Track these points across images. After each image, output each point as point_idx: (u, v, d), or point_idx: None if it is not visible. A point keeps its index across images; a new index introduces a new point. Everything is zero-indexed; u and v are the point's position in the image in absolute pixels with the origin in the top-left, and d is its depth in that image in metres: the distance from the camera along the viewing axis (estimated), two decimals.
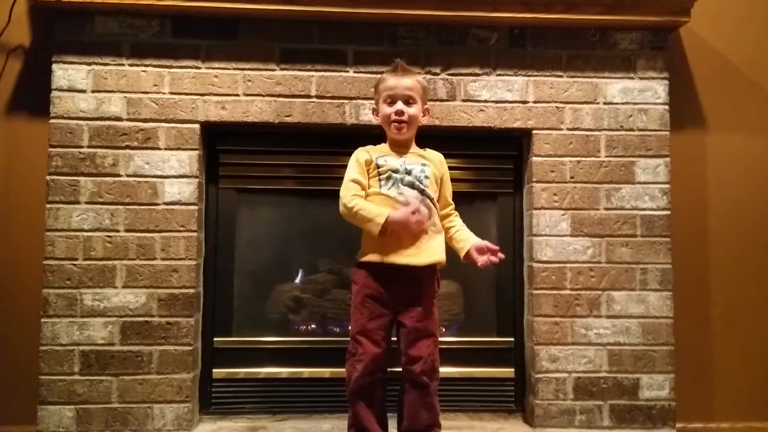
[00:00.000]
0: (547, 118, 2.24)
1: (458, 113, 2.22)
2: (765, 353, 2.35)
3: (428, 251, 1.87)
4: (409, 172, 1.89)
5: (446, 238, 1.96)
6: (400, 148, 1.95)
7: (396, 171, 1.89)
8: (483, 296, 2.37)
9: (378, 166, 1.90)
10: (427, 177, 1.90)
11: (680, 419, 2.22)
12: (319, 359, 2.25)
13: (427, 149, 1.99)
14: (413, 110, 1.91)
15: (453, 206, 2.00)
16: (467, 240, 1.92)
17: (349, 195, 1.86)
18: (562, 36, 2.25)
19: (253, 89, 2.18)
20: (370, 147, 1.97)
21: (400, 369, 1.90)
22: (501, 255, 1.87)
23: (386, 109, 1.91)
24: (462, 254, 1.92)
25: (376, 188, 1.89)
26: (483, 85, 2.23)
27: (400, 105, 1.90)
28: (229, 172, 2.28)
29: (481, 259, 1.86)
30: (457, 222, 1.98)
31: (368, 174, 1.90)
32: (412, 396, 1.87)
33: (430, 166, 1.93)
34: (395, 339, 1.93)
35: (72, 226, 2.11)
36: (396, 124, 1.90)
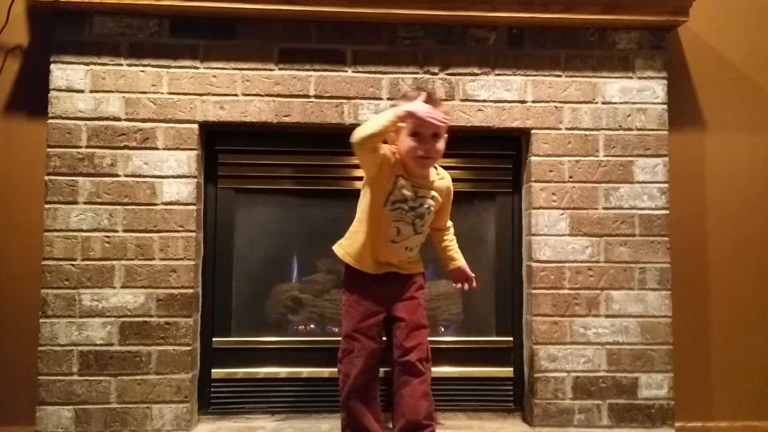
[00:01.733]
0: (545, 117, 2.24)
1: (457, 113, 2.22)
2: (764, 352, 2.35)
3: (398, 267, 1.94)
4: (419, 206, 1.90)
5: (438, 248, 2.05)
6: (417, 179, 1.91)
7: (405, 201, 1.89)
8: (481, 296, 2.36)
9: (395, 180, 1.88)
10: (429, 212, 1.93)
11: (679, 418, 2.22)
12: (317, 359, 2.24)
13: (439, 173, 1.98)
14: (441, 145, 1.86)
15: (450, 225, 2.06)
16: (455, 260, 2.03)
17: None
18: (561, 36, 2.25)
19: (251, 89, 2.18)
20: (388, 148, 1.91)
21: (388, 369, 1.91)
22: (474, 285, 2.02)
23: (410, 143, 1.83)
24: (446, 269, 2.05)
25: (380, 199, 1.87)
26: (481, 85, 2.23)
27: (429, 142, 1.82)
28: (228, 172, 2.28)
29: (458, 284, 2.03)
30: (449, 235, 2.05)
31: (383, 173, 1.86)
32: (411, 386, 1.86)
33: (436, 199, 1.94)
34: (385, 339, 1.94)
35: (70, 226, 2.11)
36: (422, 160, 1.84)
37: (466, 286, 2.02)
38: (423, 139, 1.82)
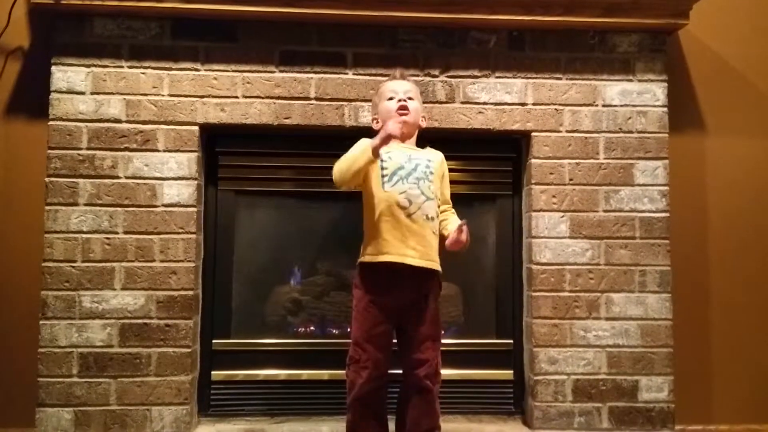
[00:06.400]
0: (546, 120, 2.24)
1: (457, 115, 2.22)
2: (764, 355, 2.35)
3: (427, 254, 1.86)
4: (415, 168, 1.89)
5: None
6: (402, 142, 1.94)
7: (401, 168, 1.88)
8: (482, 298, 2.37)
9: (381, 161, 1.87)
10: (432, 173, 1.91)
11: (679, 421, 2.22)
12: (317, 361, 2.24)
13: (428, 147, 2.00)
14: (415, 104, 1.95)
15: (450, 205, 2.01)
16: (448, 227, 1.92)
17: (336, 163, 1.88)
18: (561, 38, 2.25)
19: (252, 91, 2.18)
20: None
21: (399, 372, 1.90)
22: (465, 235, 1.84)
23: (388, 106, 1.93)
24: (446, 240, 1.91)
25: (378, 185, 1.87)
26: (482, 88, 2.23)
27: (402, 95, 1.93)
28: (228, 174, 2.28)
29: (449, 242, 1.86)
30: (448, 214, 1.99)
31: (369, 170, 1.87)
32: (415, 401, 1.86)
33: (434, 161, 1.94)
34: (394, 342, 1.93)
35: (71, 227, 2.11)
36: (400, 111, 1.90)
37: (455, 234, 1.85)
38: (397, 98, 1.93)
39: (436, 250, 1.89)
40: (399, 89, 1.95)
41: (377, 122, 1.97)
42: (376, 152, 1.80)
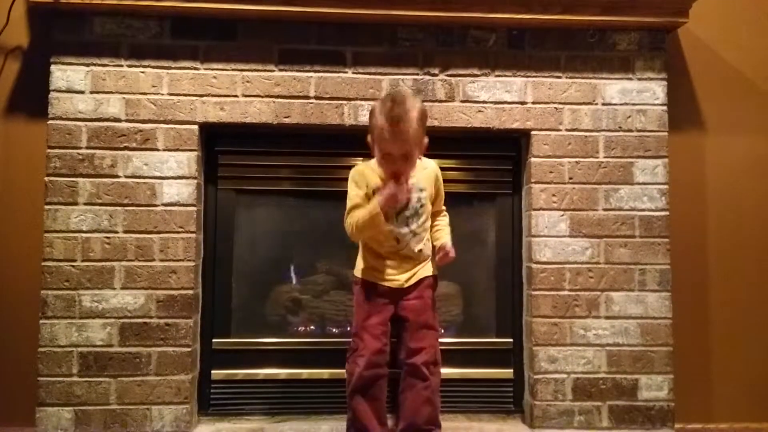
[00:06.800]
0: (545, 118, 2.24)
1: (457, 114, 2.22)
2: (764, 354, 2.35)
3: (413, 274, 1.93)
4: (406, 206, 1.90)
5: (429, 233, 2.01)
6: None
7: (391, 208, 1.88)
8: (482, 297, 2.37)
9: (374, 194, 1.88)
10: (423, 205, 1.92)
11: (679, 420, 2.22)
12: (317, 360, 2.24)
13: (423, 159, 1.97)
14: (412, 161, 1.84)
15: (444, 212, 2.04)
16: (438, 240, 1.98)
17: (347, 222, 1.89)
18: (561, 37, 2.25)
19: (251, 90, 2.18)
20: (366, 169, 1.93)
21: (399, 370, 1.91)
22: (449, 256, 1.92)
23: (383, 162, 1.84)
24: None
25: None
26: (482, 86, 2.23)
27: (396, 165, 1.80)
28: (228, 173, 2.28)
29: (438, 258, 1.96)
30: (442, 220, 2.02)
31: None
32: (414, 390, 1.87)
33: (426, 189, 1.93)
34: (395, 340, 1.93)
35: (70, 227, 2.11)
36: (396, 176, 1.83)
37: (441, 255, 1.93)
38: (393, 160, 1.81)
39: (426, 262, 1.96)
40: (395, 152, 1.78)
41: (369, 145, 1.89)
42: (385, 212, 1.83)
